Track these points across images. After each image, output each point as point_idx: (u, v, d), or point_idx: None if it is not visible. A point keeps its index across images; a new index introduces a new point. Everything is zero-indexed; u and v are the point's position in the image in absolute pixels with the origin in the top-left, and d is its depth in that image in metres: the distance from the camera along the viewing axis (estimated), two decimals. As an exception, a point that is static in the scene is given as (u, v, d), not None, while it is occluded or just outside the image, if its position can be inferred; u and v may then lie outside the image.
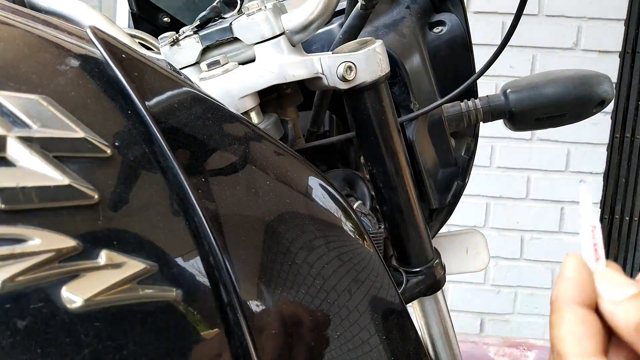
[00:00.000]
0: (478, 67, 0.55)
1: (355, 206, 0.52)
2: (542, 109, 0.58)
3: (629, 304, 0.25)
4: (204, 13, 0.48)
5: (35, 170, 0.24)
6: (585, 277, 0.27)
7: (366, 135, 0.48)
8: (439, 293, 0.55)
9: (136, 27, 0.73)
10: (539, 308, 2.19)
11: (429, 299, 0.55)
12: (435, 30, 0.63)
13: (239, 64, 0.47)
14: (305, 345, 0.32)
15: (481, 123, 0.63)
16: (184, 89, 0.34)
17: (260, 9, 0.45)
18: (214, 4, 0.48)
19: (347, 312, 0.36)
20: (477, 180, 1.97)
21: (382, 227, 0.52)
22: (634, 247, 2.08)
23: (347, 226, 0.39)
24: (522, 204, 2.00)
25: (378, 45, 0.46)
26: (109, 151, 0.27)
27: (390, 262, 0.55)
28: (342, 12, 0.56)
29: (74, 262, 0.23)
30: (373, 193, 0.53)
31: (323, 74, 0.46)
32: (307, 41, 0.51)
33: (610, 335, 0.26)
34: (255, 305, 0.30)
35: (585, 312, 0.26)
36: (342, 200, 0.40)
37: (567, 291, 0.27)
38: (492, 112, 0.60)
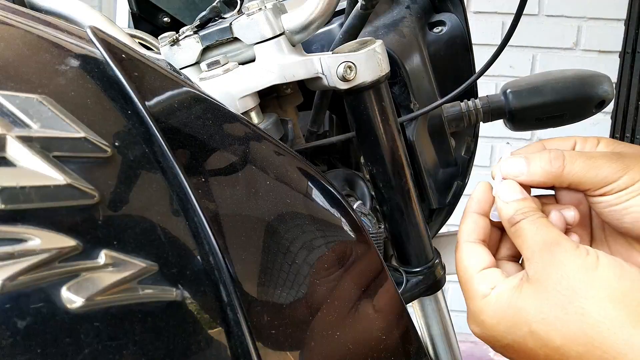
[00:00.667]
0: (478, 67, 0.55)
1: (355, 206, 0.52)
2: (542, 109, 0.58)
3: (512, 203, 0.38)
4: (203, 13, 0.48)
5: (35, 170, 0.24)
6: (485, 196, 0.40)
7: (366, 135, 0.48)
8: (439, 293, 0.55)
9: (136, 27, 0.73)
10: (539, 308, 2.19)
11: (429, 299, 0.55)
12: (435, 30, 0.63)
13: (239, 64, 0.47)
14: (306, 345, 0.32)
15: (481, 123, 0.63)
16: (184, 89, 0.34)
17: (260, 9, 0.45)
18: (214, 4, 0.48)
19: (347, 312, 0.36)
20: (477, 180, 1.97)
21: (382, 227, 0.52)
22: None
23: (347, 226, 0.39)
24: (522, 204, 1.99)
25: (378, 45, 0.46)
26: (109, 151, 0.27)
27: (390, 262, 0.55)
28: (342, 12, 0.56)
29: (74, 262, 0.23)
30: (373, 193, 0.53)
31: (323, 74, 0.46)
32: (306, 41, 0.51)
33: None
34: (255, 305, 0.30)
35: (478, 217, 0.40)
36: (342, 200, 0.40)
37: (470, 205, 0.41)
38: (492, 112, 0.60)
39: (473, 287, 0.38)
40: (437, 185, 0.61)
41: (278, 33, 0.46)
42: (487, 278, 0.38)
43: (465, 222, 0.41)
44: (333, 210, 0.39)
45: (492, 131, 1.84)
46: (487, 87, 1.90)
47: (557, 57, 1.98)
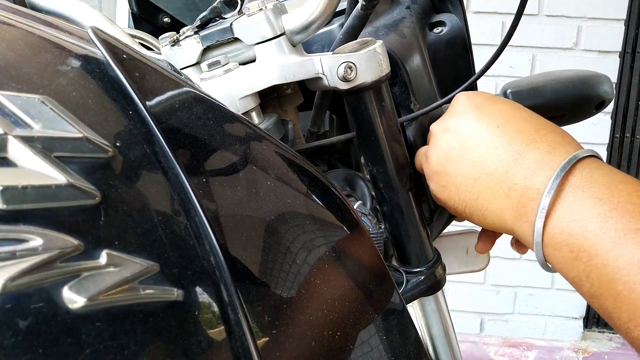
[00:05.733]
0: (478, 67, 0.55)
1: (355, 206, 0.52)
2: (541, 109, 0.58)
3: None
4: (204, 13, 0.48)
5: (36, 170, 0.24)
6: None
7: (367, 136, 0.48)
8: (439, 293, 0.55)
9: (136, 27, 0.73)
10: (538, 308, 2.19)
11: (429, 299, 0.55)
12: (435, 30, 0.63)
13: (240, 64, 0.47)
14: (306, 345, 0.32)
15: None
16: (185, 89, 0.34)
17: (260, 9, 0.46)
18: (215, 4, 0.48)
19: (348, 312, 0.36)
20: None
21: (383, 227, 0.52)
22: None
23: (348, 226, 0.39)
24: (522, 204, 1.99)
25: (378, 46, 0.46)
26: (110, 151, 0.27)
27: (390, 262, 0.55)
28: (342, 12, 0.56)
29: (75, 262, 0.23)
30: (373, 193, 0.53)
31: (323, 74, 0.46)
32: (307, 41, 0.51)
33: None
34: (256, 306, 0.30)
35: None
36: (342, 200, 0.40)
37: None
38: (492, 112, 0.60)
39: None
40: (437, 185, 0.61)
41: (278, 33, 0.46)
42: None
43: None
44: (333, 211, 0.39)
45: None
46: (487, 87, 1.90)
47: (557, 57, 1.98)
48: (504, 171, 0.42)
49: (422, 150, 0.51)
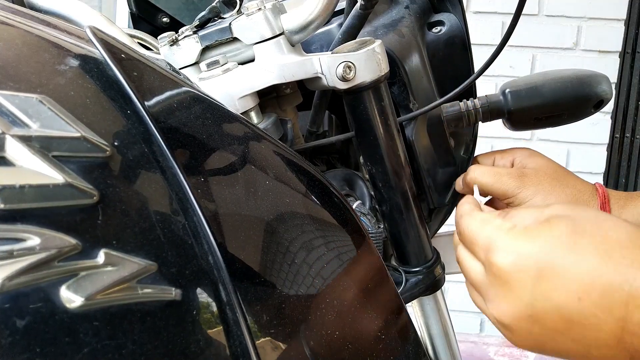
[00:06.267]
0: (477, 67, 0.55)
1: (354, 206, 0.52)
2: (540, 108, 0.58)
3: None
4: (203, 13, 0.48)
5: (34, 170, 0.24)
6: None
7: (365, 135, 0.48)
8: (439, 293, 0.55)
9: (135, 27, 0.73)
10: (538, 308, 2.19)
11: (428, 299, 0.55)
12: (434, 30, 0.63)
13: (239, 64, 0.47)
14: (305, 345, 0.32)
15: (480, 123, 0.63)
16: (184, 88, 0.34)
17: (259, 9, 0.46)
18: (213, 4, 0.48)
19: (347, 312, 0.36)
20: (477, 180, 1.97)
21: (382, 226, 0.52)
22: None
23: (347, 226, 0.39)
24: (522, 204, 1.99)
25: (377, 45, 0.46)
26: (108, 151, 0.27)
27: (389, 262, 0.55)
28: (341, 12, 0.56)
29: (73, 261, 0.24)
30: (372, 193, 0.53)
31: (322, 74, 0.46)
32: (306, 41, 0.51)
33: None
34: (254, 305, 0.30)
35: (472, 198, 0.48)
36: (341, 200, 0.40)
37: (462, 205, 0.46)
38: (491, 112, 0.60)
39: (499, 224, 0.41)
40: (436, 184, 0.61)
41: (277, 33, 0.46)
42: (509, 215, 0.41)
43: (464, 202, 0.47)
44: (332, 210, 0.39)
45: (492, 131, 1.84)
46: (487, 87, 1.90)
47: (557, 57, 1.98)
48: (616, 342, 0.35)
49: (497, 316, 0.41)
